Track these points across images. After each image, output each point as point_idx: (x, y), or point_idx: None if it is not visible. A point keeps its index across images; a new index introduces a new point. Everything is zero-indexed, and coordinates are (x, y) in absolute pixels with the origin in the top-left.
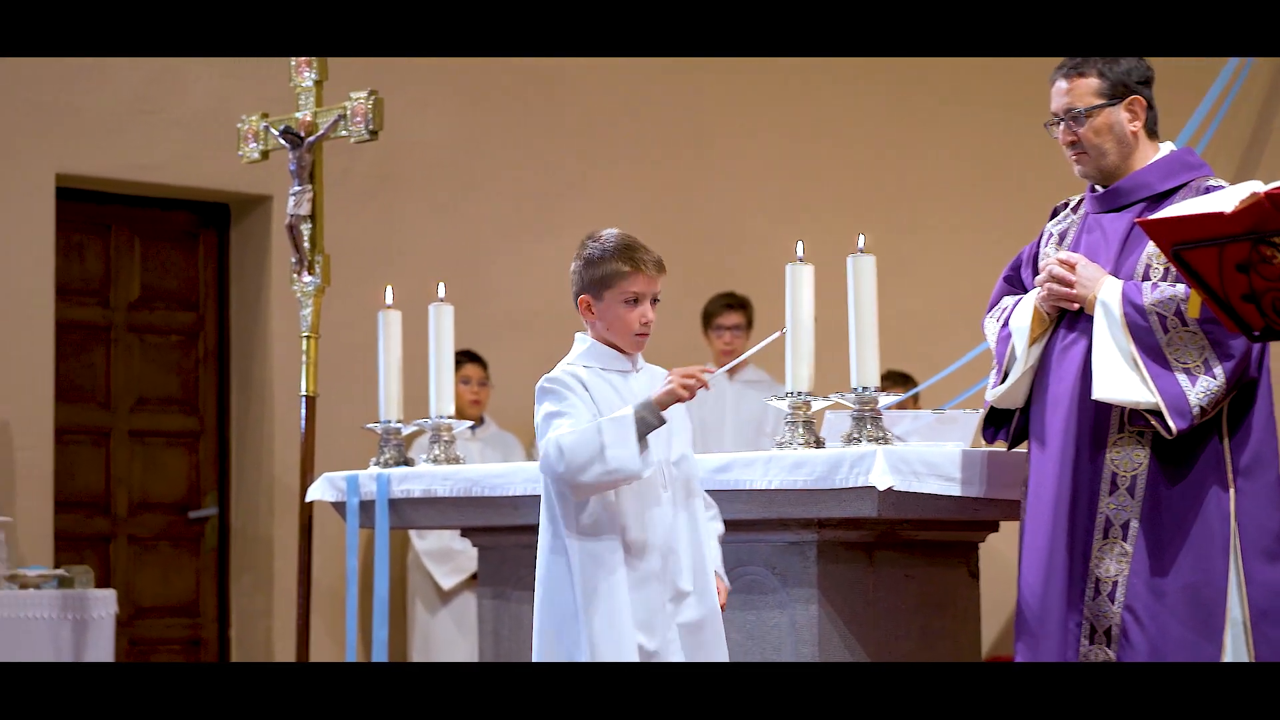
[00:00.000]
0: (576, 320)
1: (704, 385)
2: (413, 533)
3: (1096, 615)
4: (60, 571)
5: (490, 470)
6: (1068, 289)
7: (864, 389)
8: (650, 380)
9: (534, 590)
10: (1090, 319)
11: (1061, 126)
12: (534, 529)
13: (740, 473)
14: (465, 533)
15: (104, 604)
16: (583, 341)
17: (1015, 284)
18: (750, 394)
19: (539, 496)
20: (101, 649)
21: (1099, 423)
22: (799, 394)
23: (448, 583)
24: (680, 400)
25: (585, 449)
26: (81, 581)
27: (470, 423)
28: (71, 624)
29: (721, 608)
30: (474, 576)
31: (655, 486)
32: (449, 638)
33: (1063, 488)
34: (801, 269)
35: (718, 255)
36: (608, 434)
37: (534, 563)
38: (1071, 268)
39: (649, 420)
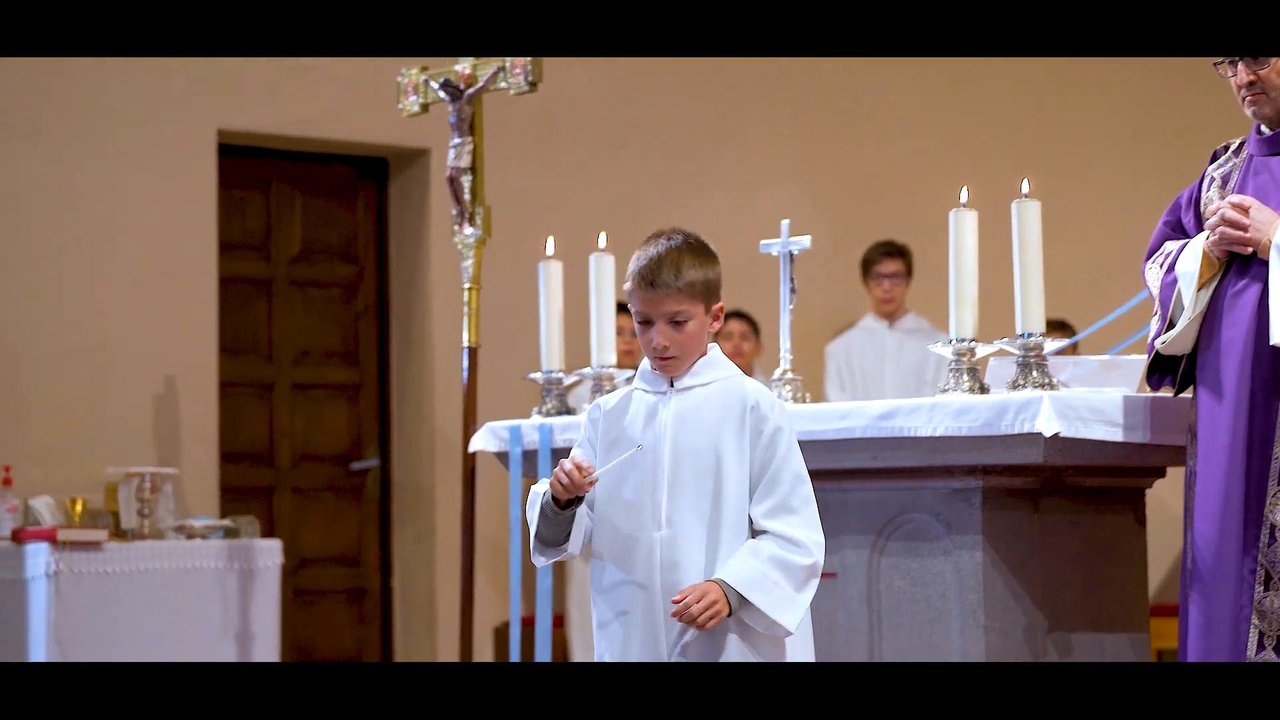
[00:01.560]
0: (734, 275)
1: (578, 487)
2: None
3: (1272, 563)
4: (226, 522)
5: None
6: (1241, 232)
7: (1029, 335)
8: (690, 405)
9: None
10: (1262, 263)
11: (1239, 66)
12: None
13: (904, 419)
14: None
15: (269, 554)
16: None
17: (1175, 229)
18: (910, 342)
19: None
20: (267, 598)
21: (1275, 368)
22: (963, 340)
23: None
24: (556, 495)
25: (530, 519)
26: (247, 532)
27: (630, 372)
28: (238, 573)
29: (692, 620)
30: None
31: (644, 523)
32: None
33: (1237, 434)
34: (965, 214)
35: (876, 204)
36: (532, 509)
37: None
38: (1245, 211)
39: (545, 512)
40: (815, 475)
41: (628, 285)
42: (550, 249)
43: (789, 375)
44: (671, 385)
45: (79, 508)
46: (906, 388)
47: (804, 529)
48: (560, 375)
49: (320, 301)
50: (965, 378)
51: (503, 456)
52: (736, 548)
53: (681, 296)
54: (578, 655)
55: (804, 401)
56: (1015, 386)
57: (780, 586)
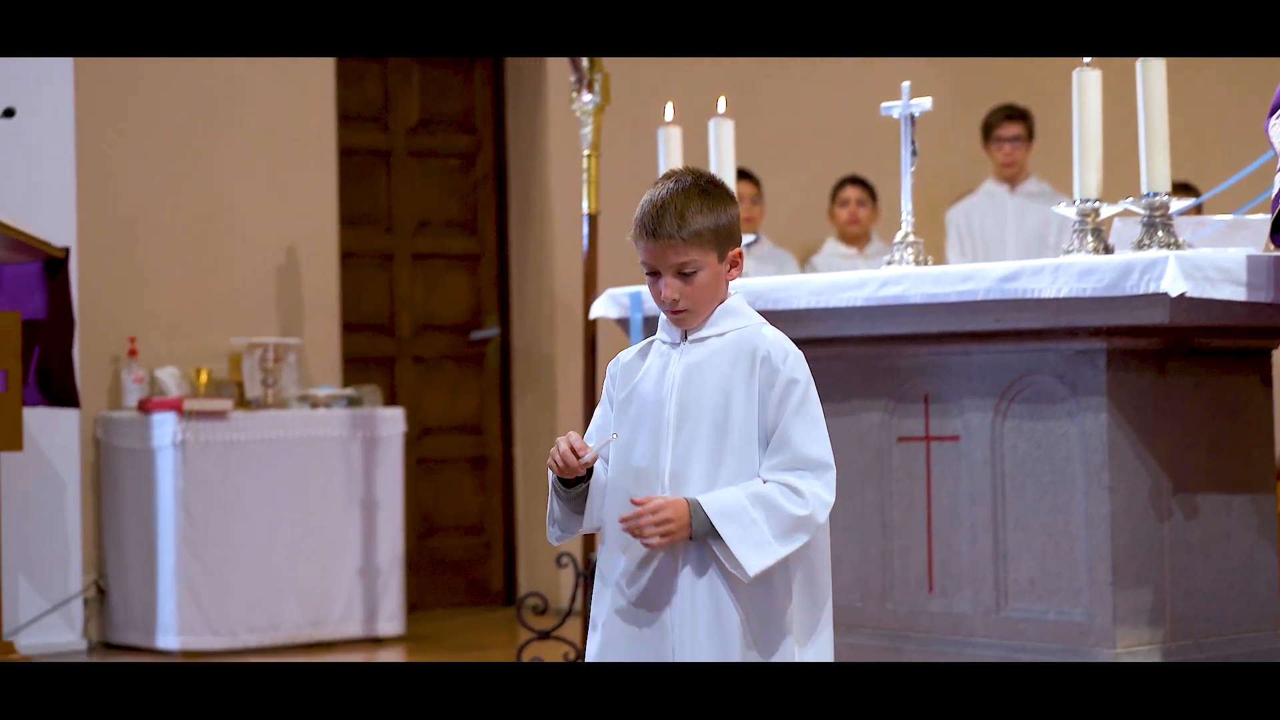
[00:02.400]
0: (851, 140)
1: (572, 469)
2: None
3: None
4: (349, 391)
5: (773, 283)
6: None
7: (1154, 194)
8: (700, 358)
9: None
10: None
11: None
12: (822, 342)
13: (1028, 281)
14: None
15: (392, 422)
16: None
17: None
18: (1032, 206)
19: (824, 309)
20: (391, 467)
21: None
22: (1087, 201)
23: None
24: (561, 476)
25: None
26: (370, 401)
27: (750, 238)
28: (361, 442)
29: (638, 532)
30: None
31: (652, 491)
32: None
33: None
34: (1088, 74)
35: (998, 66)
36: (550, 479)
37: (821, 374)
38: None
39: (555, 489)
40: (938, 339)
41: (633, 231)
42: (669, 114)
43: (910, 239)
44: (685, 337)
45: (204, 378)
46: (1028, 252)
47: (812, 483)
48: None
49: (439, 171)
50: (1089, 238)
51: (623, 323)
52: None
53: (687, 247)
54: None
55: (926, 264)
56: (1140, 247)
57: (757, 526)
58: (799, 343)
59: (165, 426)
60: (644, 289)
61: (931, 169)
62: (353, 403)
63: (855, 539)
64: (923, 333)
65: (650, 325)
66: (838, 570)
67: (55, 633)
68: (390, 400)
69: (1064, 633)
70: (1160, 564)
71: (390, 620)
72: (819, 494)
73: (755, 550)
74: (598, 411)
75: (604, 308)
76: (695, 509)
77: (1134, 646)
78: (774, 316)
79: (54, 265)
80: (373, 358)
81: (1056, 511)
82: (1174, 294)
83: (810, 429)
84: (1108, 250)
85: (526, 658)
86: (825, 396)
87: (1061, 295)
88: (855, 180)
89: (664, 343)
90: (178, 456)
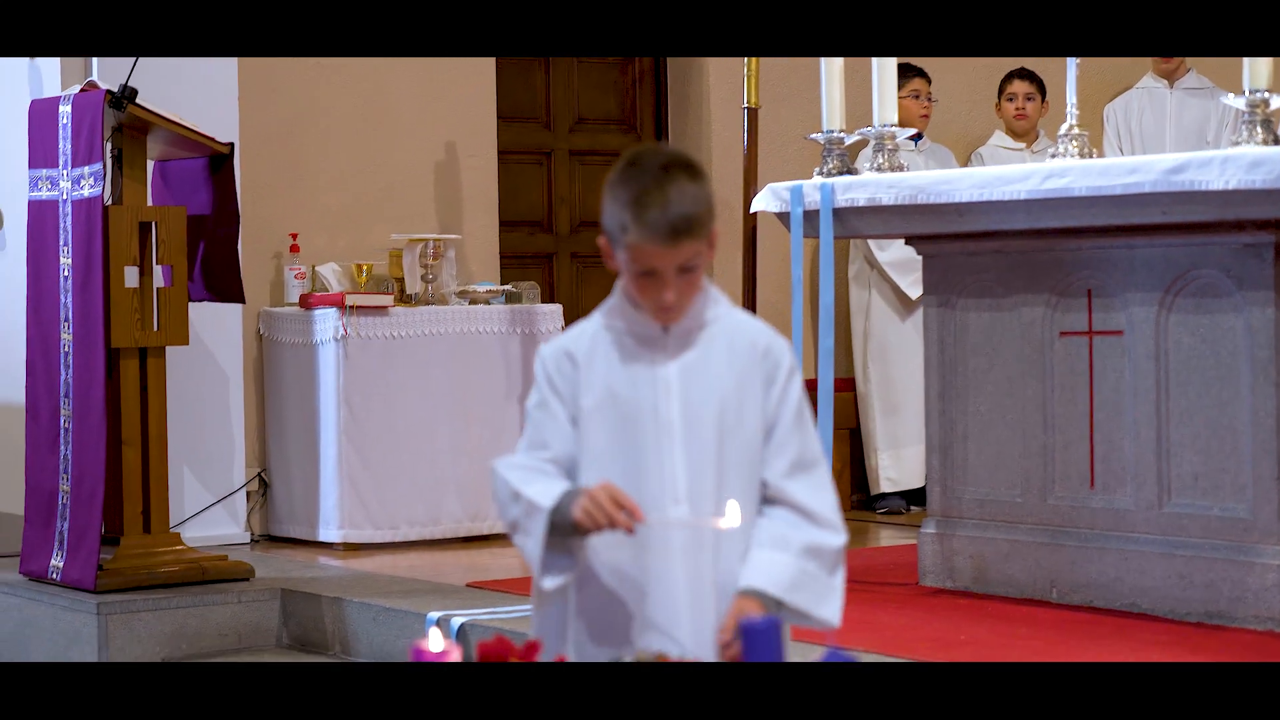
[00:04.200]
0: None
1: (615, 525)
2: (872, 244)
3: None
4: (508, 287)
5: (936, 177)
6: None
7: None
8: (696, 356)
9: (977, 299)
10: None
11: None
12: (984, 236)
13: (1195, 173)
14: (909, 241)
15: (551, 318)
16: (616, 290)
17: None
18: (1191, 102)
19: (986, 204)
20: None
21: None
22: (1257, 91)
23: (914, 292)
24: (582, 530)
25: (505, 509)
26: (529, 297)
27: (913, 130)
28: (520, 338)
29: (723, 646)
30: None
31: (655, 505)
32: (912, 348)
33: None
34: None
35: None
36: (522, 513)
37: (983, 268)
38: None
39: (561, 528)
40: (1102, 232)
41: (631, 229)
42: None
43: (1075, 131)
44: (665, 330)
45: (364, 274)
46: (1187, 148)
47: (825, 494)
48: (842, 135)
49: (597, 68)
50: (1259, 130)
51: (784, 217)
52: (761, 518)
53: (697, 241)
54: (876, 416)
55: (1091, 157)
56: None
57: (819, 579)
58: (961, 237)
59: (327, 322)
60: (805, 183)
61: (1090, 64)
62: (511, 299)
63: (1016, 434)
64: (1087, 226)
65: (810, 219)
66: (1000, 464)
67: (220, 525)
68: (548, 297)
69: (1227, 529)
70: None
71: None
72: (837, 510)
73: (827, 601)
74: (538, 415)
75: (765, 202)
76: (758, 594)
77: None
78: (936, 210)
79: (218, 161)
80: (530, 254)
81: (1221, 407)
82: None
83: (807, 425)
84: (1277, 142)
85: None
86: (987, 291)
87: (1230, 187)
88: (1023, 73)
89: (630, 336)
90: (339, 351)
